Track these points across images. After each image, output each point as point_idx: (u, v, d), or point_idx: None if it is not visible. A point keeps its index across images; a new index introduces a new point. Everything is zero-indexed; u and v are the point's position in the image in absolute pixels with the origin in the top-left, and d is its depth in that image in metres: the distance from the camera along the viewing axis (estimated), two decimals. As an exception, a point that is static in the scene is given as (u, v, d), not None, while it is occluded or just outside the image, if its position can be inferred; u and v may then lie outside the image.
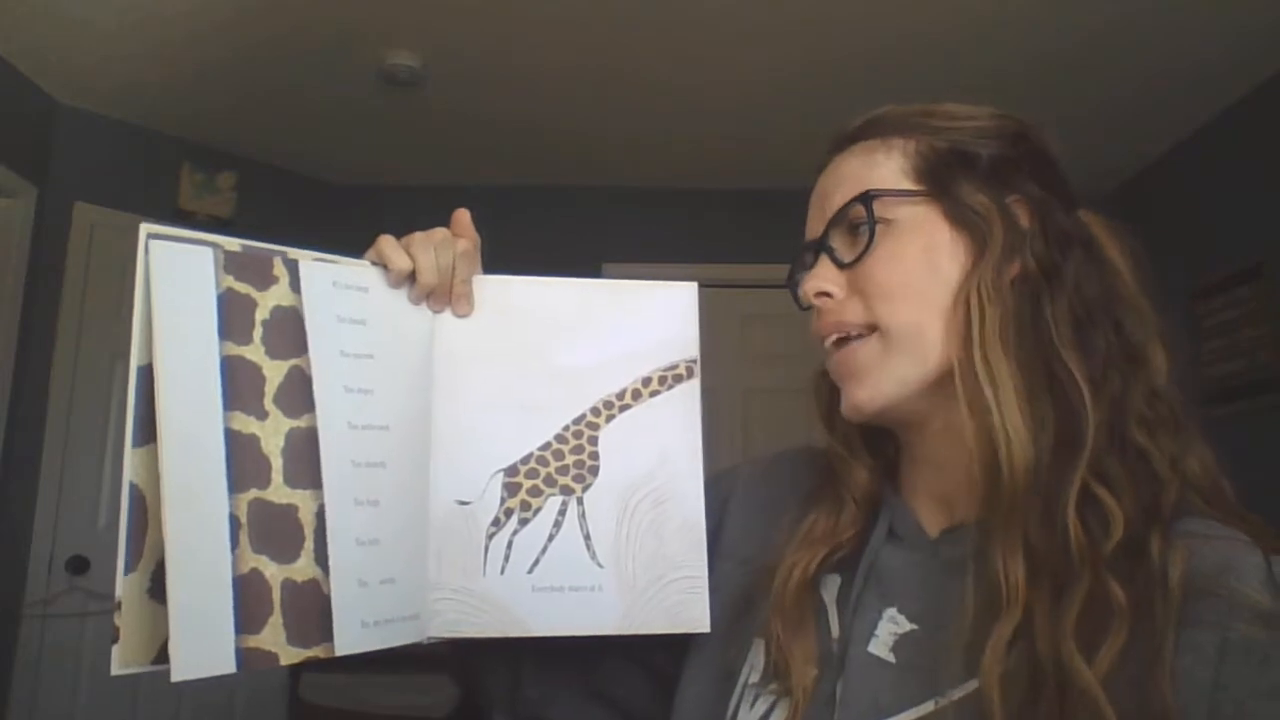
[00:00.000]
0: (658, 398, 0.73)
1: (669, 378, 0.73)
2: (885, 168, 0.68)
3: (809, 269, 0.71)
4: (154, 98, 3.12)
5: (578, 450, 0.72)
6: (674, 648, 0.75)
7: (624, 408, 0.73)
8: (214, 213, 3.44)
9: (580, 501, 0.71)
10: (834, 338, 0.69)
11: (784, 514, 0.74)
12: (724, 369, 3.59)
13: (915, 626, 0.64)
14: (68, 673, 3.01)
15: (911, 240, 0.66)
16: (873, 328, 0.67)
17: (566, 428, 0.72)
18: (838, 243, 0.69)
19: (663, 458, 0.72)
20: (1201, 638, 0.53)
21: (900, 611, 0.65)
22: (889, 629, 0.65)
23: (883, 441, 0.73)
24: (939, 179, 0.67)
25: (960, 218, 0.66)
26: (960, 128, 0.69)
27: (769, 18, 2.62)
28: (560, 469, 0.72)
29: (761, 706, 0.66)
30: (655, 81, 3.01)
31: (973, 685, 0.58)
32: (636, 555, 0.71)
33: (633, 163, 3.65)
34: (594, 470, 0.72)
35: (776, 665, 0.66)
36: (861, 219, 0.67)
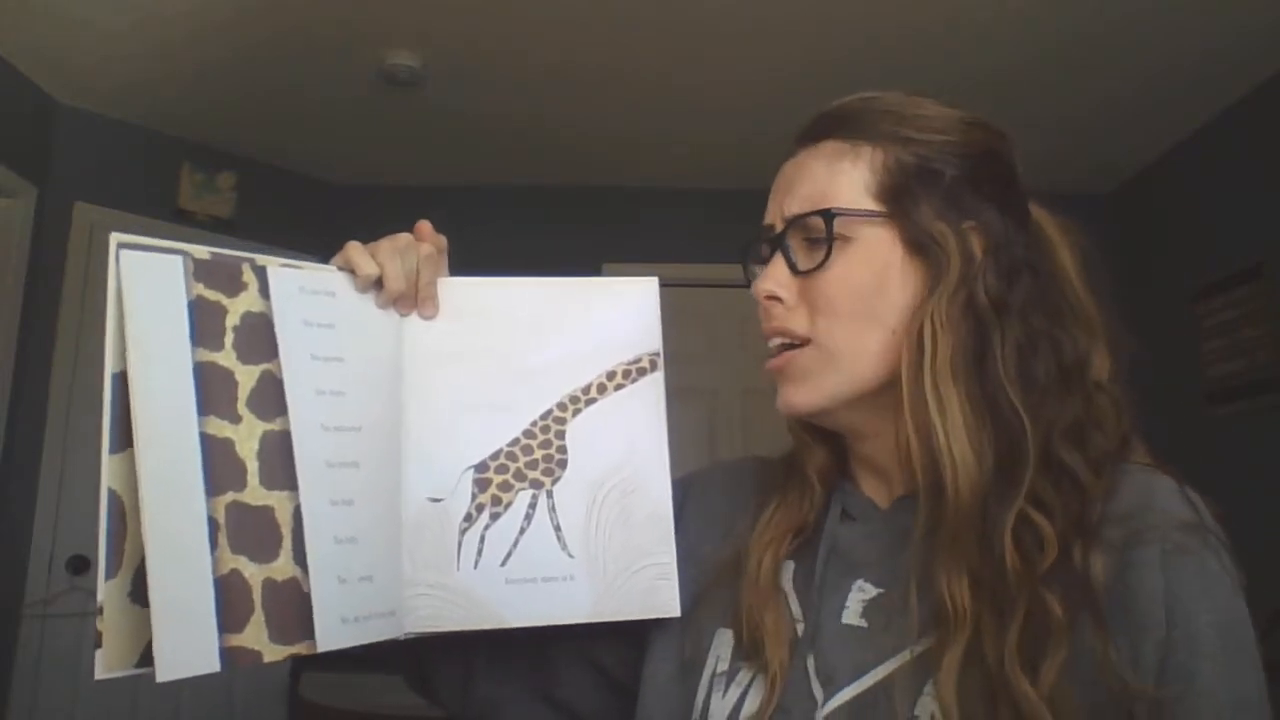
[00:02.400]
0: (622, 391, 0.75)
1: (633, 371, 0.76)
2: (849, 178, 0.69)
3: (764, 258, 0.73)
4: (154, 98, 3.12)
5: (546, 445, 0.74)
6: (624, 648, 0.77)
7: (590, 402, 0.75)
8: (214, 212, 3.44)
9: (550, 495, 0.73)
10: (776, 341, 0.71)
11: (742, 514, 0.77)
12: (724, 369, 3.59)
13: (881, 590, 0.67)
14: (68, 673, 3.01)
15: (866, 261, 0.68)
16: (808, 340, 0.69)
17: (534, 423, 0.74)
18: (794, 243, 0.70)
19: (629, 449, 0.74)
20: (1147, 554, 0.59)
21: (866, 580, 0.68)
22: (858, 598, 0.68)
23: (831, 430, 0.75)
24: (900, 200, 0.68)
25: (917, 244, 0.67)
26: (929, 141, 0.69)
27: (769, 17, 2.62)
28: (529, 463, 0.73)
29: (734, 693, 0.68)
30: (656, 81, 3.01)
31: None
32: (607, 545, 0.73)
33: (633, 163, 3.66)
34: (562, 464, 0.74)
35: (750, 644, 0.68)
36: (819, 232, 0.68)
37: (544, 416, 0.74)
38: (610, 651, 0.78)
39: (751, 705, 0.66)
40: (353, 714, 3.06)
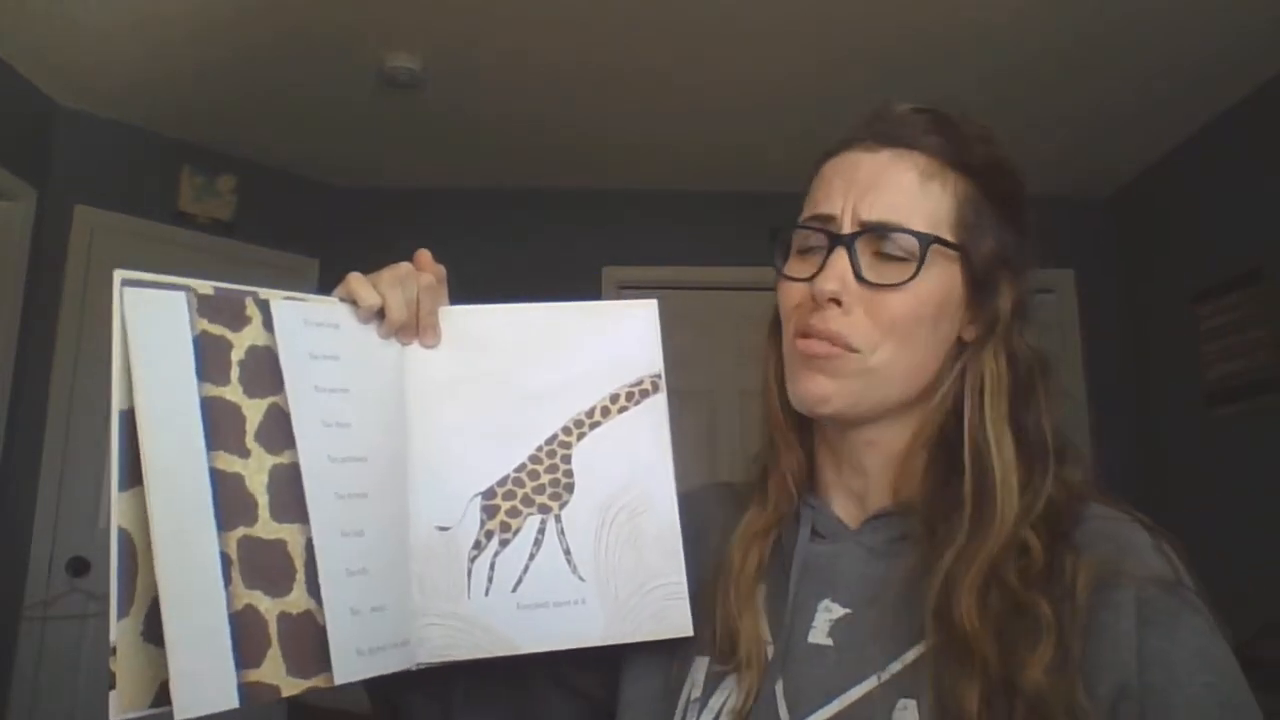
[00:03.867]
0: (626, 414, 0.76)
1: (635, 394, 0.76)
2: (937, 205, 0.69)
3: (817, 251, 0.70)
4: (154, 98, 3.12)
5: (552, 469, 0.74)
6: (602, 672, 0.77)
7: (594, 425, 0.75)
8: (214, 215, 3.44)
9: (558, 519, 0.73)
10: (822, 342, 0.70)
11: (710, 540, 0.77)
12: (722, 370, 3.59)
13: (848, 610, 0.68)
14: (68, 673, 3.01)
15: (934, 290, 0.69)
16: (856, 351, 0.69)
17: (540, 448, 0.74)
18: (862, 248, 0.69)
19: (635, 471, 0.75)
20: (1120, 596, 0.60)
21: (834, 600, 0.69)
22: (824, 617, 0.69)
23: (804, 436, 0.77)
24: (974, 237, 0.70)
25: (978, 284, 0.70)
26: (1002, 183, 0.72)
27: (770, 19, 2.62)
28: (536, 489, 0.74)
29: (707, 718, 0.68)
30: (657, 83, 3.01)
31: (910, 657, 0.64)
32: (617, 567, 0.73)
33: (632, 165, 3.65)
34: (569, 488, 0.74)
35: (726, 643, 0.69)
36: (905, 251, 0.68)
37: (549, 441, 0.74)
38: (589, 676, 0.78)
39: None
40: (353, 714, 3.06)
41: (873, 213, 0.69)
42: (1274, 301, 2.86)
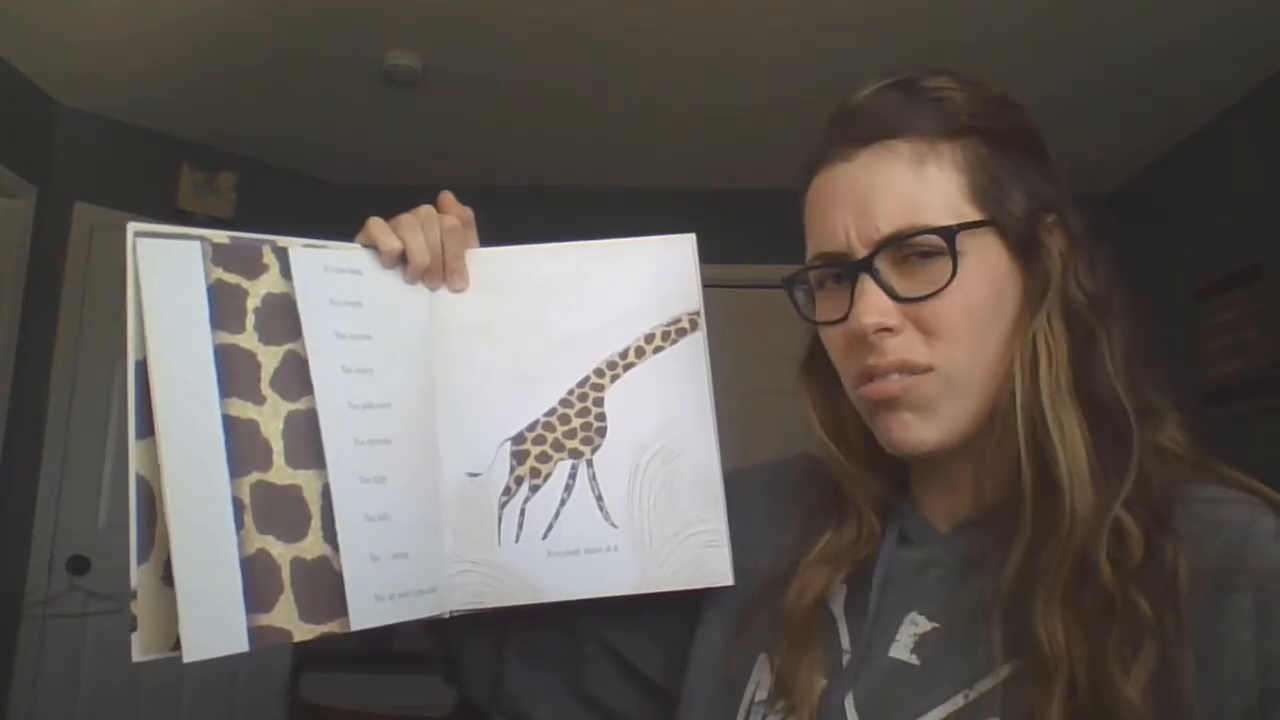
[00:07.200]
0: (661, 354, 0.73)
1: (672, 332, 0.73)
2: (940, 185, 0.61)
3: (841, 286, 0.64)
4: (154, 98, 3.11)
5: (584, 413, 0.72)
6: (666, 656, 0.75)
7: (628, 367, 0.72)
8: (213, 213, 3.43)
9: (590, 464, 0.71)
10: (894, 378, 0.62)
11: (788, 525, 0.72)
12: (724, 369, 3.57)
13: (936, 625, 0.62)
14: (68, 673, 3.01)
15: (978, 275, 0.60)
16: (930, 368, 0.61)
17: (571, 392, 0.72)
18: (885, 266, 0.61)
19: (671, 414, 0.72)
20: (1238, 600, 0.53)
21: (920, 613, 0.63)
22: (909, 631, 0.62)
23: (880, 460, 0.68)
24: (996, 201, 0.61)
25: (1020, 246, 0.61)
26: (995, 127, 0.63)
27: (769, 21, 2.62)
28: (567, 433, 0.72)
29: None
30: (656, 82, 3.01)
31: (1003, 673, 0.57)
32: (651, 514, 0.70)
33: (632, 163, 3.65)
34: (601, 432, 0.72)
35: (782, 680, 0.64)
36: (934, 249, 0.60)
37: (581, 384, 0.72)
38: (651, 658, 0.76)
39: None
40: (353, 714, 3.06)
41: (879, 227, 0.61)
42: (1273, 300, 2.86)
